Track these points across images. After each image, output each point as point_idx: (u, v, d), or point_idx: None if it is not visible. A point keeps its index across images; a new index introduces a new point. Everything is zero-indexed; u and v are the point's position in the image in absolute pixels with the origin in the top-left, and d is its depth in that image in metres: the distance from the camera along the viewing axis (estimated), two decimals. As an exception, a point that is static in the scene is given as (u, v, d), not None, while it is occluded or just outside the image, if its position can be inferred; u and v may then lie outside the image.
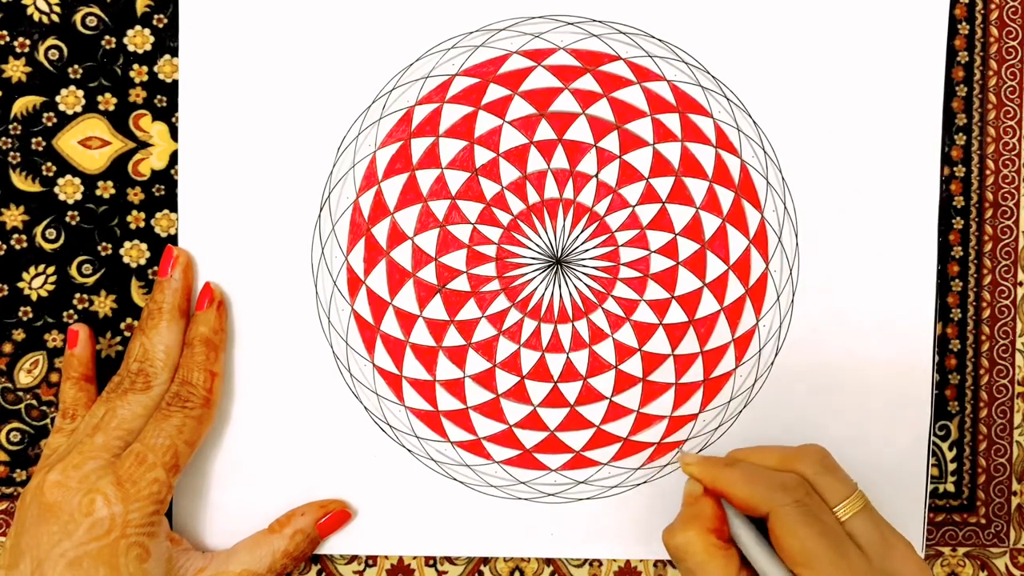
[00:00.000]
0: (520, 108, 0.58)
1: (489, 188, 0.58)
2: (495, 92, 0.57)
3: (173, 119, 0.57)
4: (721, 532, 0.49)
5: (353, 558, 0.59)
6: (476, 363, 0.58)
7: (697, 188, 0.58)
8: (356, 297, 0.58)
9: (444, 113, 0.58)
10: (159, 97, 0.57)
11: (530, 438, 0.59)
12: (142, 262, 0.58)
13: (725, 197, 0.58)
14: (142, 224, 0.58)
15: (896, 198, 0.58)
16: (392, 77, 0.57)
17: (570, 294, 0.58)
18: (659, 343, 0.58)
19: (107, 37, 0.57)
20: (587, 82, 0.58)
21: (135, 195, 0.58)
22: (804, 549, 0.46)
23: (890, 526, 0.49)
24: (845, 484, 0.49)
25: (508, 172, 0.58)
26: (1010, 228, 0.60)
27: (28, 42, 0.57)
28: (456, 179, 0.58)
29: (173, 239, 0.58)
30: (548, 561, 0.60)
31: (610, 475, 0.59)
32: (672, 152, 0.58)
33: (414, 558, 0.59)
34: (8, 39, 0.57)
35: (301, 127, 0.57)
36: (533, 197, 0.58)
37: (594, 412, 0.58)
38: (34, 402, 0.58)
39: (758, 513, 0.48)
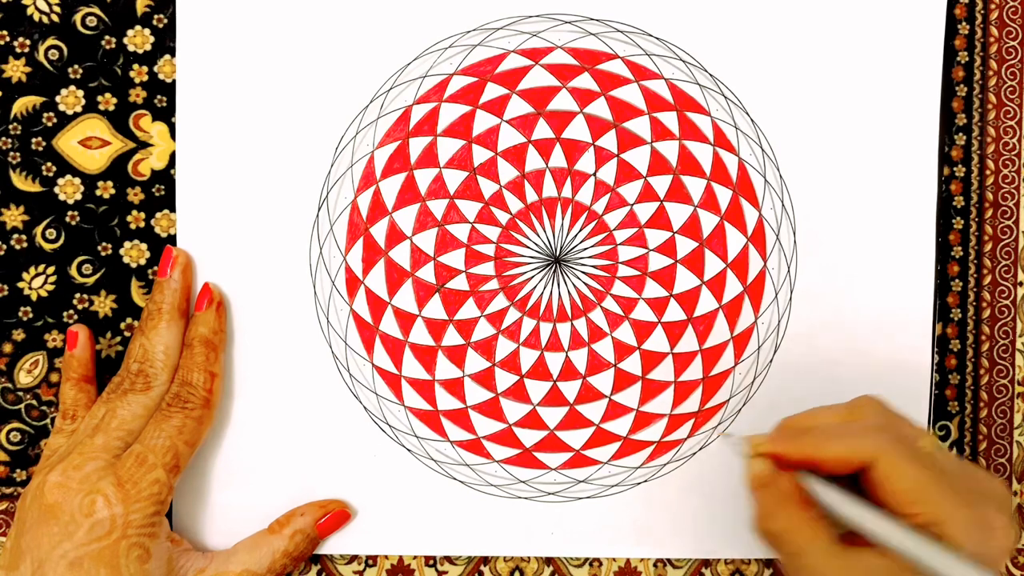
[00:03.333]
0: (518, 107, 0.58)
1: (487, 187, 0.58)
2: (493, 91, 0.58)
3: (173, 119, 0.58)
4: (810, 503, 0.47)
5: (353, 558, 0.59)
6: (475, 362, 0.58)
7: (695, 186, 0.58)
8: (355, 297, 0.58)
9: (442, 112, 0.58)
10: (159, 97, 0.58)
11: (530, 437, 0.58)
12: (142, 262, 0.58)
13: (723, 195, 0.58)
14: (142, 224, 0.58)
15: (894, 196, 0.58)
16: (390, 76, 0.57)
17: (569, 293, 0.58)
18: (658, 341, 0.58)
19: (107, 37, 0.57)
20: (585, 80, 0.58)
21: (135, 195, 0.58)
22: (919, 486, 0.44)
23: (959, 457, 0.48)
24: (913, 425, 0.48)
25: (506, 171, 0.58)
26: (1010, 228, 0.60)
27: (28, 42, 0.57)
28: (454, 178, 0.58)
29: (173, 239, 0.58)
30: (548, 561, 0.60)
31: (610, 474, 0.59)
32: (670, 150, 0.58)
33: (414, 558, 0.59)
34: (8, 39, 0.57)
35: (299, 127, 0.57)
36: (531, 196, 0.58)
37: (594, 411, 0.58)
38: (34, 402, 0.58)
39: (853, 467, 0.46)
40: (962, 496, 0.45)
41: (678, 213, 0.58)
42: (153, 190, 0.58)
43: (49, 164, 0.57)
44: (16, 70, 0.57)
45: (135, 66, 0.58)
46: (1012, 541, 0.45)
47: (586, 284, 0.58)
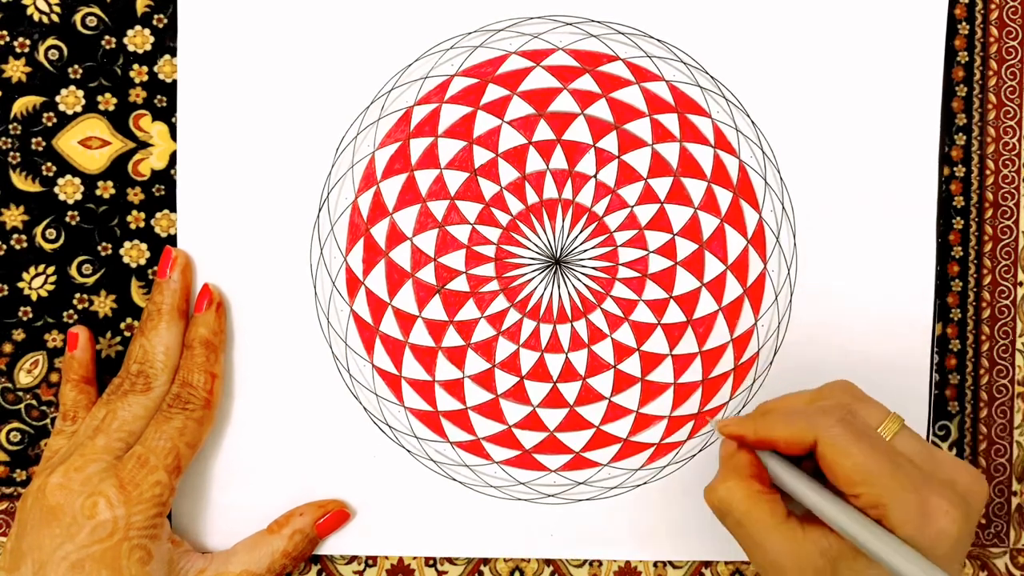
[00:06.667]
0: (519, 108, 0.58)
1: (488, 188, 0.58)
2: (494, 92, 0.57)
3: (173, 119, 0.57)
4: (762, 479, 0.48)
5: (353, 558, 0.59)
6: (475, 363, 0.58)
7: (695, 188, 0.58)
8: (355, 298, 0.58)
9: (443, 113, 0.58)
10: (159, 97, 0.58)
11: (530, 439, 0.58)
12: (142, 262, 0.58)
13: (723, 197, 0.58)
14: (142, 224, 0.58)
15: (894, 198, 0.58)
16: (391, 77, 0.57)
17: (569, 294, 0.58)
18: (657, 343, 0.58)
19: (107, 37, 0.57)
20: (586, 82, 0.58)
21: (135, 195, 0.58)
22: (858, 467, 0.45)
23: (930, 444, 0.48)
24: (879, 408, 0.48)
25: (507, 172, 0.58)
26: (1010, 228, 0.60)
27: (28, 42, 0.57)
28: (455, 179, 0.58)
29: (173, 239, 0.58)
30: (548, 561, 0.60)
31: (610, 476, 0.59)
32: (671, 152, 0.58)
33: (414, 558, 0.59)
34: (8, 39, 0.57)
35: (300, 127, 0.57)
36: (532, 197, 0.58)
37: (593, 412, 0.58)
38: (34, 402, 0.58)
39: (803, 447, 0.47)
40: (910, 480, 0.45)
41: (678, 215, 0.58)
42: (153, 190, 0.58)
43: (49, 164, 0.57)
44: (16, 70, 0.57)
45: (135, 66, 0.57)
46: (957, 528, 0.44)
47: (586, 286, 0.58)
